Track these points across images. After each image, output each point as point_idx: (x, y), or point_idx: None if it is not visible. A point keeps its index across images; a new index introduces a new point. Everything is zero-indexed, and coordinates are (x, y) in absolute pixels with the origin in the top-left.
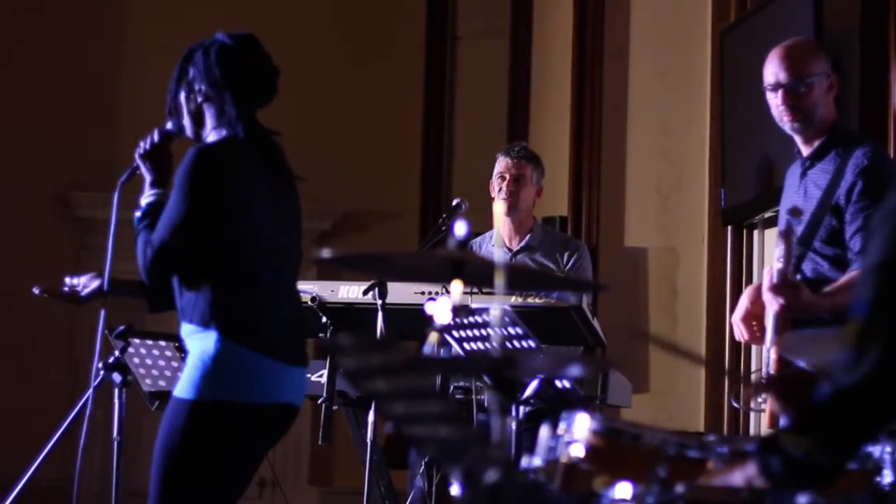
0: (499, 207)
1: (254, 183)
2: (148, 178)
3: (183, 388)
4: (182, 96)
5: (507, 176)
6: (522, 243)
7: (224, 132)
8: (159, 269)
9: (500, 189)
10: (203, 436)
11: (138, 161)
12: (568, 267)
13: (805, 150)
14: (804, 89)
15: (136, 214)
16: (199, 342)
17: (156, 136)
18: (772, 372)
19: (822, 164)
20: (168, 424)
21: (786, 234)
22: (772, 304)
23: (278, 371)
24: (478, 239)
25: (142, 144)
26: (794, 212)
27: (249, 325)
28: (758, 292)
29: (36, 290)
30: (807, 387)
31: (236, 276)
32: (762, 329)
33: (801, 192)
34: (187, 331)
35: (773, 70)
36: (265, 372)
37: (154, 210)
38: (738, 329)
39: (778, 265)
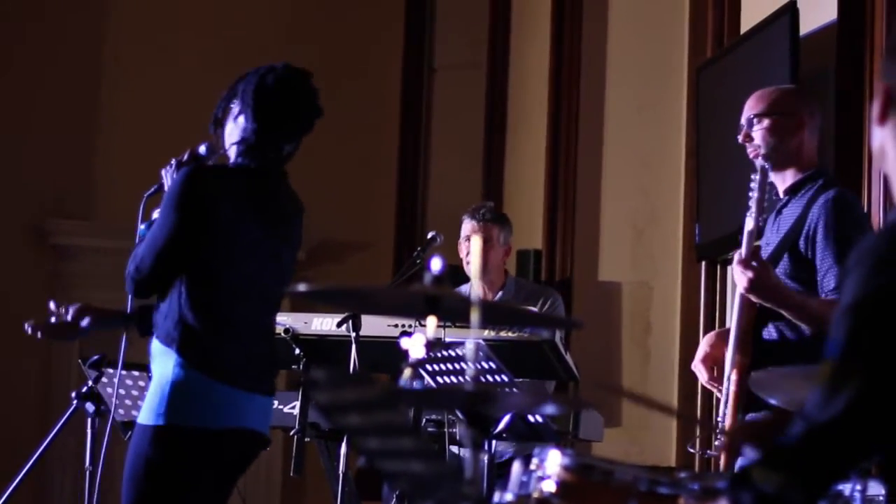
0: (467, 270)
1: (237, 216)
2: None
3: (145, 414)
4: (221, 113)
5: (474, 239)
6: (496, 298)
7: (238, 159)
8: (139, 285)
9: (468, 251)
10: (166, 461)
11: (164, 179)
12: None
13: (781, 188)
14: (761, 124)
15: (141, 227)
16: (161, 364)
17: (185, 157)
18: (732, 391)
19: (796, 201)
20: (133, 451)
21: (759, 185)
22: (739, 279)
23: (237, 397)
24: (461, 287)
25: (173, 162)
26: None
27: (209, 354)
28: (718, 337)
29: (28, 328)
30: (779, 428)
31: (204, 304)
32: (721, 373)
33: (774, 228)
34: (154, 348)
35: (744, 110)
36: (223, 397)
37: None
38: (699, 372)
39: (749, 222)
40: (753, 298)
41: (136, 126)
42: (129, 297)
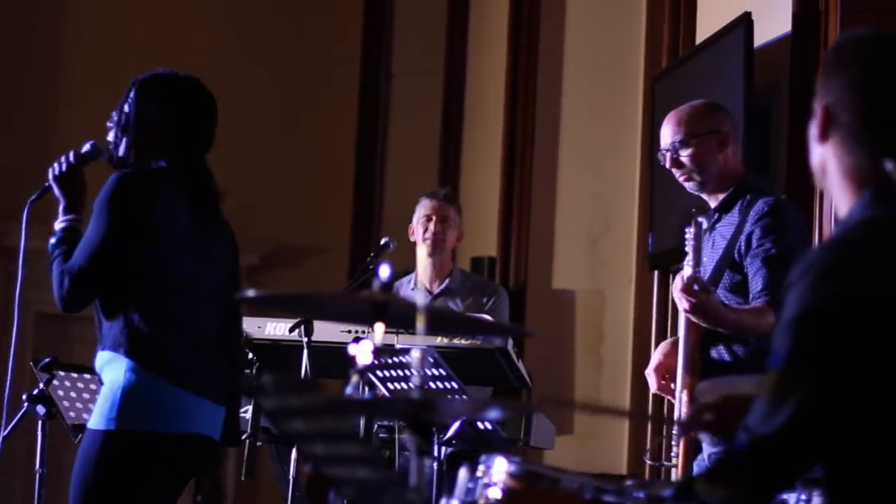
0: (423, 249)
1: (171, 216)
2: (61, 202)
3: (95, 419)
4: (120, 122)
5: (434, 217)
6: (443, 286)
7: (151, 162)
8: (76, 297)
9: (426, 230)
10: (116, 466)
11: (51, 182)
12: (486, 309)
13: (712, 204)
14: (686, 150)
15: (51, 241)
16: (111, 371)
17: (71, 158)
18: (685, 413)
19: (729, 216)
20: (82, 456)
21: (694, 237)
22: (681, 304)
23: (188, 401)
24: (397, 283)
25: (56, 166)
26: (700, 209)
27: (158, 354)
28: (670, 346)
29: None
30: (731, 413)
31: (146, 305)
32: (674, 381)
33: (709, 244)
34: (102, 358)
35: (662, 136)
36: (174, 401)
37: (69, 237)
38: (651, 380)
39: (688, 270)
40: (695, 321)
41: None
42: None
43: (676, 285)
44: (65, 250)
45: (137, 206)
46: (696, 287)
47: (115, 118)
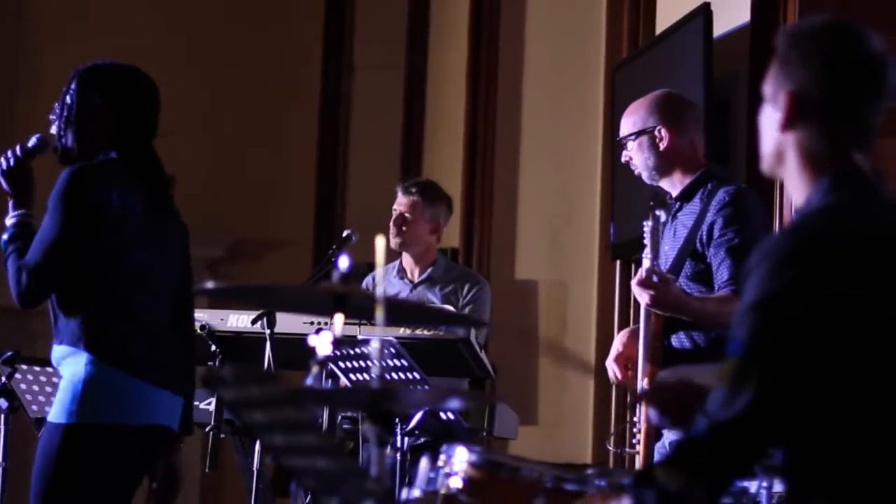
0: (393, 243)
1: (125, 208)
2: (11, 199)
3: (56, 412)
4: (63, 114)
5: (398, 211)
6: (424, 275)
7: (101, 155)
8: (34, 292)
9: (393, 224)
10: (77, 459)
11: None
12: (466, 299)
13: (674, 192)
14: (629, 147)
15: (3, 237)
16: (70, 365)
17: (18, 152)
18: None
19: (690, 205)
20: (43, 450)
21: (652, 229)
22: (641, 297)
23: (148, 392)
24: (382, 269)
25: (2, 161)
26: (658, 202)
27: (117, 346)
28: (630, 335)
29: None
30: (685, 396)
31: (104, 298)
32: (635, 370)
33: (670, 233)
34: (59, 353)
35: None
36: (135, 393)
37: (21, 232)
38: (611, 370)
39: (646, 263)
40: (657, 312)
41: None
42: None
43: (635, 279)
44: (19, 246)
45: (92, 199)
46: (654, 279)
47: (58, 110)
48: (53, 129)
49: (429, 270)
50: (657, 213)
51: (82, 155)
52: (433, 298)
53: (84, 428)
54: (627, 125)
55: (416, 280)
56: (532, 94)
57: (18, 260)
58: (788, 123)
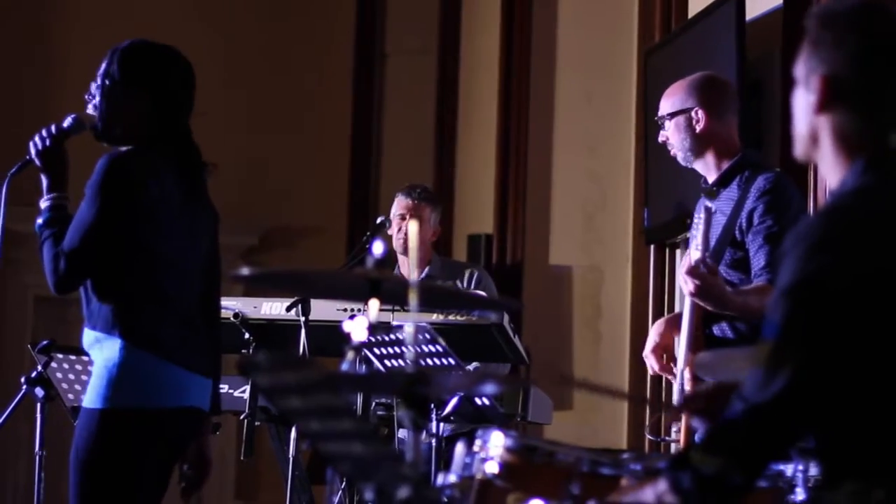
0: (397, 247)
1: (162, 196)
2: (45, 180)
3: (91, 397)
4: (100, 93)
5: (407, 216)
6: (423, 274)
7: (137, 135)
8: (71, 279)
9: (400, 229)
10: (114, 444)
11: (34, 158)
12: (471, 288)
13: (710, 178)
14: (665, 128)
15: (38, 221)
16: (104, 350)
17: (53, 131)
18: (687, 389)
19: (727, 191)
20: (79, 436)
21: (704, 219)
22: (686, 286)
23: (180, 376)
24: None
25: (38, 140)
26: (710, 192)
27: (150, 331)
28: (667, 325)
29: None
30: (724, 400)
31: (138, 284)
32: (672, 360)
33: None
34: (91, 338)
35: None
36: (168, 376)
37: (56, 216)
38: (649, 362)
39: (696, 253)
40: (700, 304)
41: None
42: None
43: (683, 267)
44: (55, 231)
45: (130, 186)
46: (702, 269)
47: (95, 89)
48: (90, 109)
49: (427, 269)
50: (707, 204)
51: (119, 135)
52: None
53: (119, 412)
54: (666, 105)
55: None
56: (565, 78)
57: (55, 246)
58: (822, 106)
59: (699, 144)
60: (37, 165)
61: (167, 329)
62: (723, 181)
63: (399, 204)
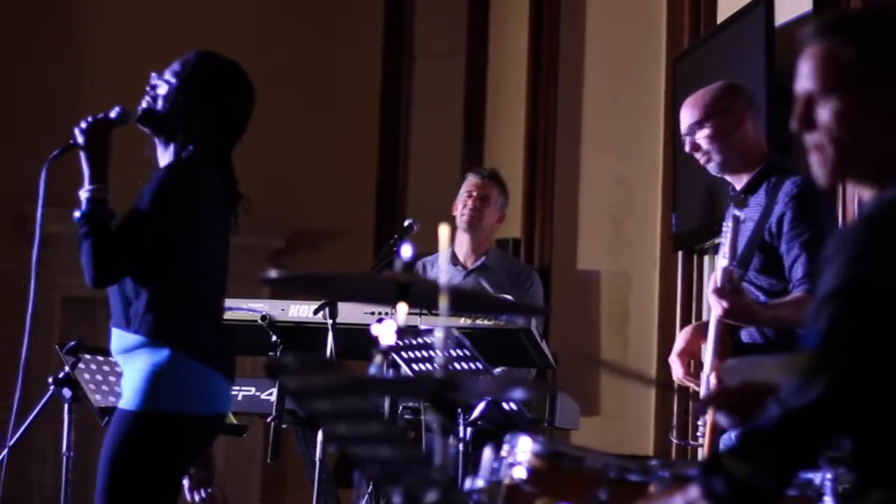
0: (460, 224)
1: (215, 209)
2: (87, 170)
3: (130, 399)
4: (161, 93)
5: (475, 194)
6: (478, 263)
7: (190, 147)
8: (111, 274)
9: (465, 205)
10: (149, 446)
11: (78, 144)
12: (519, 292)
13: (738, 186)
14: (702, 131)
15: (78, 213)
16: (149, 354)
17: (100, 122)
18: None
19: (755, 197)
20: (114, 436)
21: (732, 228)
22: (715, 307)
23: (216, 381)
24: (431, 257)
25: (85, 127)
26: (739, 202)
27: (194, 336)
28: (694, 332)
29: None
30: (751, 398)
31: (182, 288)
32: (698, 367)
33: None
34: (132, 340)
35: (681, 121)
36: (208, 383)
37: (98, 209)
38: (675, 367)
39: (723, 262)
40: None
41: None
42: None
43: (711, 286)
44: (97, 223)
45: (189, 196)
46: (728, 287)
47: (157, 81)
48: (143, 103)
49: (483, 259)
50: (735, 213)
51: (168, 131)
52: (485, 286)
53: (157, 416)
54: (695, 113)
55: (470, 267)
56: (593, 83)
57: (96, 239)
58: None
59: (735, 150)
60: (81, 150)
61: (205, 333)
62: (750, 188)
63: (468, 183)
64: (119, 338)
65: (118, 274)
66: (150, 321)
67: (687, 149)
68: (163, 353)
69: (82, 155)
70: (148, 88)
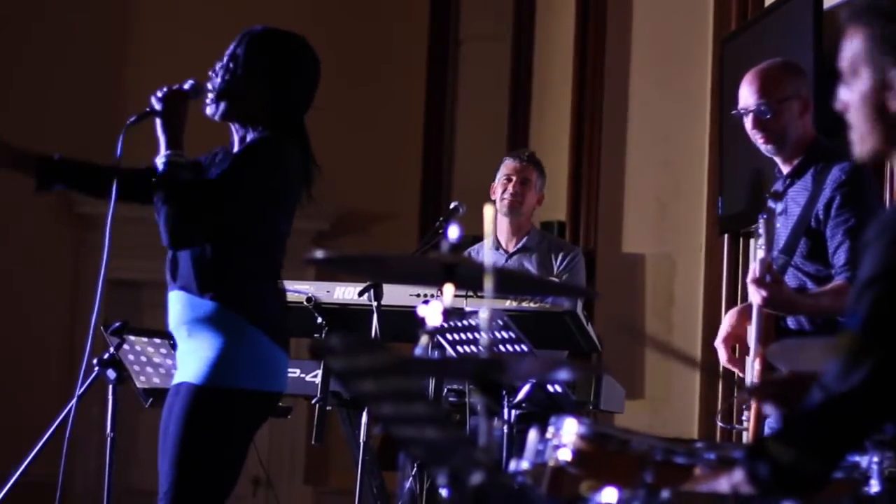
0: (501, 208)
1: (297, 184)
2: (163, 137)
3: (202, 373)
4: (228, 74)
5: (514, 178)
6: (519, 245)
7: (250, 122)
8: (193, 233)
9: (505, 189)
10: (221, 423)
11: (156, 106)
12: (561, 267)
13: (785, 169)
14: (772, 113)
15: (155, 178)
16: (218, 325)
17: (175, 88)
18: (756, 381)
19: (801, 181)
20: (186, 410)
21: (767, 221)
22: (754, 297)
23: (283, 360)
24: (476, 245)
25: (162, 96)
26: (775, 195)
27: (269, 312)
28: (740, 314)
29: None
30: (797, 388)
31: (265, 268)
32: (744, 350)
33: (781, 211)
34: (200, 308)
35: (743, 95)
36: (277, 361)
37: (175, 173)
38: (720, 352)
39: (761, 253)
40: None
41: None
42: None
43: (750, 276)
44: (176, 186)
45: (273, 168)
46: (768, 277)
47: (219, 69)
48: (209, 85)
49: (524, 240)
50: (771, 205)
51: (233, 115)
52: (529, 267)
53: (229, 392)
54: (766, 93)
55: (511, 250)
56: (639, 65)
57: (176, 201)
58: None
59: (796, 135)
60: (158, 117)
61: (274, 307)
62: (797, 172)
63: (507, 166)
64: (187, 303)
65: (197, 238)
66: (225, 289)
67: (749, 125)
68: (235, 325)
69: (158, 122)
70: (211, 75)
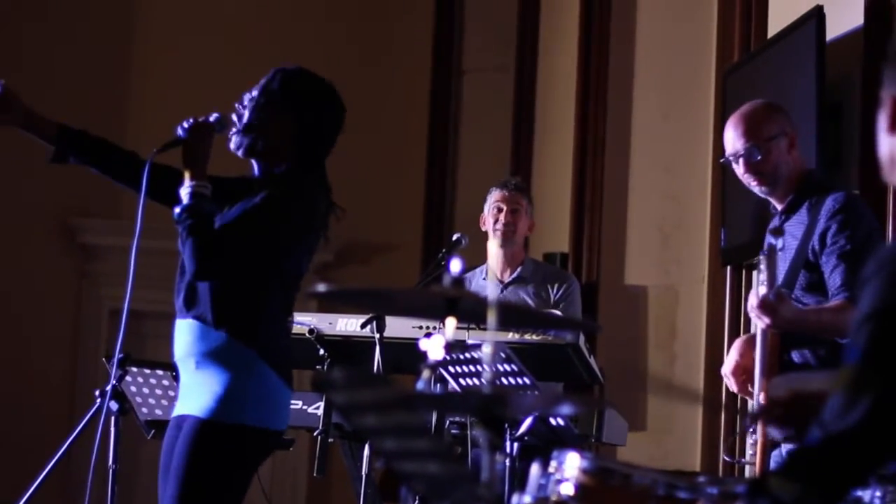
0: (494, 240)
1: (315, 218)
2: (187, 167)
3: (210, 407)
4: (258, 110)
5: (505, 207)
6: (514, 275)
7: (275, 159)
8: (216, 267)
9: (497, 220)
10: (226, 459)
11: (181, 135)
12: (558, 296)
13: (779, 206)
14: (761, 154)
15: (176, 211)
16: (235, 360)
17: (200, 120)
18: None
19: (797, 216)
20: (191, 445)
21: (768, 257)
22: (761, 321)
23: (287, 396)
24: (468, 274)
25: (188, 127)
26: (776, 231)
27: (278, 349)
28: (746, 344)
29: None
30: (801, 408)
31: (280, 305)
32: (751, 381)
33: (779, 245)
34: (212, 339)
35: (729, 140)
36: (283, 400)
37: (200, 204)
38: (730, 382)
39: (763, 290)
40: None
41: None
42: (193, 276)
43: (751, 304)
44: (201, 217)
45: (298, 207)
46: (771, 298)
47: (248, 103)
48: (236, 119)
49: (518, 270)
50: (772, 242)
51: (258, 150)
52: (525, 298)
53: (235, 428)
54: (750, 137)
55: (507, 280)
56: (642, 97)
57: (201, 232)
58: (891, 126)
59: (787, 173)
60: (184, 146)
61: (282, 342)
62: (791, 207)
63: (495, 196)
64: (199, 334)
65: (222, 271)
66: (240, 323)
67: (740, 170)
68: (245, 360)
69: (183, 152)
70: (238, 108)
